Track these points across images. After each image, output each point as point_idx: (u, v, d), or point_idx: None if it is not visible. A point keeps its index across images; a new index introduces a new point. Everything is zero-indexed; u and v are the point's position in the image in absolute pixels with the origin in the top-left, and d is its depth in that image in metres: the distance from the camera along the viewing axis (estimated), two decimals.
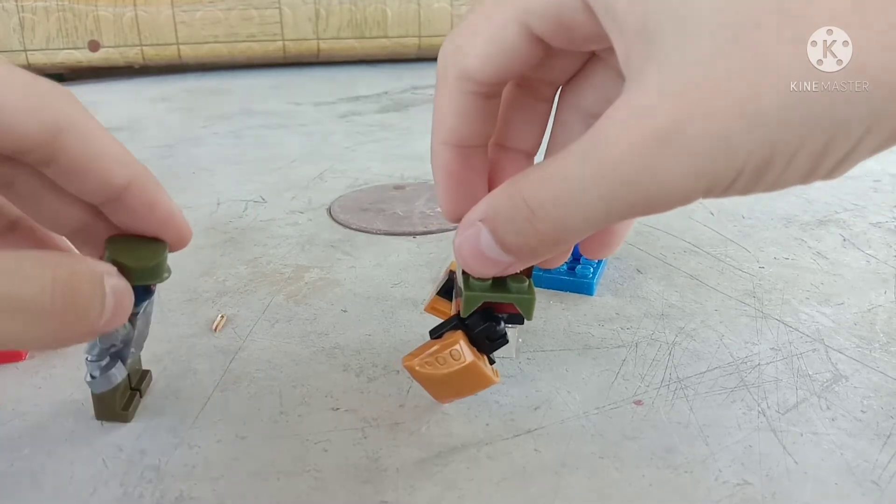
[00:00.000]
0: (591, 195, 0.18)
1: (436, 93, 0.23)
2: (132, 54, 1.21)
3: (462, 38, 0.21)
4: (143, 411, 0.29)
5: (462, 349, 0.26)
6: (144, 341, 0.28)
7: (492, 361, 0.28)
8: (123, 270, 0.22)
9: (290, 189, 0.60)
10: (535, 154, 0.26)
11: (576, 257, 0.39)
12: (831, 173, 0.17)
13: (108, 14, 1.19)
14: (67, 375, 0.31)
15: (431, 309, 0.28)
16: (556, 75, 0.24)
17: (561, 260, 0.26)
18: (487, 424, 0.28)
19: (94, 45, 1.19)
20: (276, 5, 1.25)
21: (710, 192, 0.17)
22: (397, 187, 0.60)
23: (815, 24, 0.15)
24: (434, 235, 0.49)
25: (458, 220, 0.23)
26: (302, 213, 0.54)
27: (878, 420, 0.28)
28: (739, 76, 0.16)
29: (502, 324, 0.27)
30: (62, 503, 0.24)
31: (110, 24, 1.19)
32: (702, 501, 0.24)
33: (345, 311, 0.38)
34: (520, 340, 0.33)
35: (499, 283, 0.25)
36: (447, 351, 0.26)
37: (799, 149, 0.16)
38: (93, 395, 0.28)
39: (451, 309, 0.28)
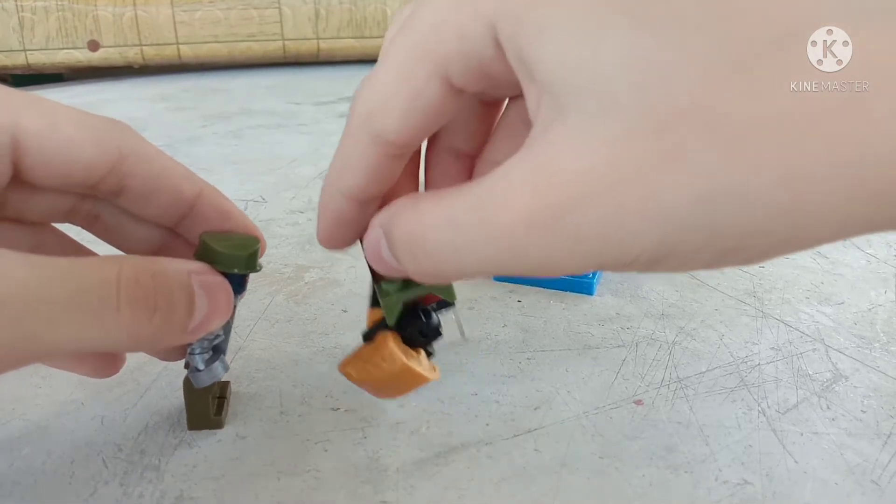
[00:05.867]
0: (474, 254, 0.17)
1: (342, 146, 0.21)
2: (132, 54, 1.21)
3: (377, 100, 0.19)
4: (143, 411, 0.29)
5: (393, 352, 0.24)
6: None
7: (430, 354, 0.26)
8: (215, 258, 0.23)
9: (290, 189, 0.60)
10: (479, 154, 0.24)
11: None
12: (745, 263, 0.16)
13: (107, 14, 1.19)
14: (67, 375, 0.31)
15: (372, 323, 0.26)
16: (502, 94, 0.22)
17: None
18: (487, 424, 0.28)
19: (93, 45, 1.19)
20: (276, 5, 1.25)
21: (602, 269, 0.17)
22: None
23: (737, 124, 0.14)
24: None
25: (329, 247, 0.23)
26: (302, 213, 0.54)
27: (878, 420, 0.28)
28: (644, 173, 0.15)
29: (433, 316, 0.25)
30: (62, 503, 0.24)
31: (110, 23, 1.19)
32: (702, 501, 0.24)
33: (345, 311, 0.38)
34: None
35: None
36: (378, 355, 0.25)
37: (698, 251, 0.15)
38: (186, 403, 0.27)
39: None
